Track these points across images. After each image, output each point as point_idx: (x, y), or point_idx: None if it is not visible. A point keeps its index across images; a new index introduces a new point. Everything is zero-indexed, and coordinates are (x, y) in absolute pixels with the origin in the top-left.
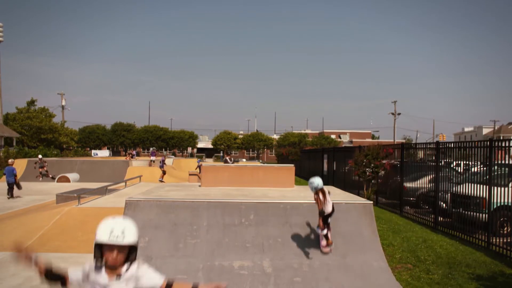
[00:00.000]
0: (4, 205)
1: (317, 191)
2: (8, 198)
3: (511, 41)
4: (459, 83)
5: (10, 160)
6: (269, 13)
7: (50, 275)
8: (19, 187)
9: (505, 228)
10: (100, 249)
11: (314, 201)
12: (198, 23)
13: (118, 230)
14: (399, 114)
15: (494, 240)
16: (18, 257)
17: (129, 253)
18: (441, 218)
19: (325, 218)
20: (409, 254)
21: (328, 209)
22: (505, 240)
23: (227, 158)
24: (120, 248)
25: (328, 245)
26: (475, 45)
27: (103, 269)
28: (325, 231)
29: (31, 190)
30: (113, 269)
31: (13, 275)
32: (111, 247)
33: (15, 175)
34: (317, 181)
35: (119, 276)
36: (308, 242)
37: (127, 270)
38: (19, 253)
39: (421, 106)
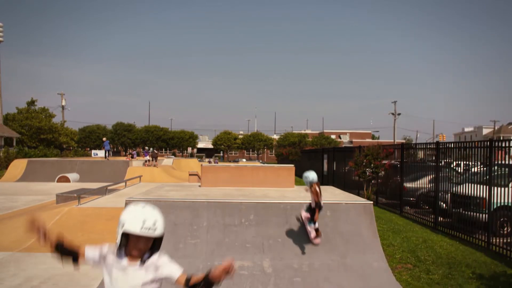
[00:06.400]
0: (4, 205)
1: (312, 184)
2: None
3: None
4: (459, 83)
5: (104, 138)
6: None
7: (61, 249)
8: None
9: (505, 228)
10: (127, 237)
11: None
12: (198, 23)
13: (150, 221)
14: (399, 114)
15: (494, 240)
16: (30, 228)
17: (154, 243)
18: (441, 218)
19: (314, 212)
20: (409, 254)
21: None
22: (505, 240)
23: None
24: (148, 239)
25: (318, 236)
26: (475, 45)
27: (124, 255)
28: (316, 224)
29: (31, 190)
30: (136, 256)
31: (13, 275)
32: (139, 237)
33: (110, 145)
34: (312, 175)
35: (142, 262)
36: (308, 242)
37: (148, 258)
38: (32, 224)
39: (421, 106)
